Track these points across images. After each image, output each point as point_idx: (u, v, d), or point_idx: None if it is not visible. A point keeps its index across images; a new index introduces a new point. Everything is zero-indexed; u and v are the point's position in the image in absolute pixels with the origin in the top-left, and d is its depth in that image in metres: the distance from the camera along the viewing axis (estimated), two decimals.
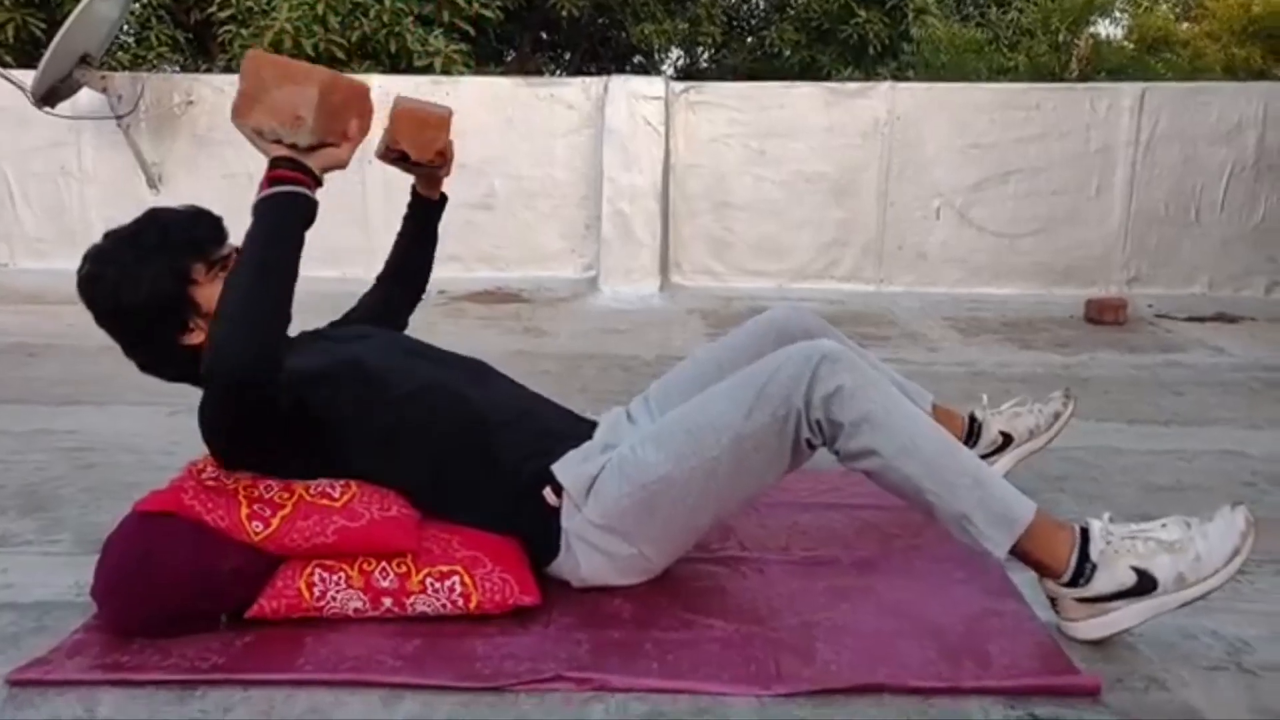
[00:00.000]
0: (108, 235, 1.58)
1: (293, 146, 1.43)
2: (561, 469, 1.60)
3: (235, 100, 1.44)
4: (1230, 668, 1.39)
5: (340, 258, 4.49)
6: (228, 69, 5.86)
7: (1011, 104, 4.48)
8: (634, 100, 4.40)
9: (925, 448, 1.45)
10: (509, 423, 1.65)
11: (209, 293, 1.54)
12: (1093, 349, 3.68)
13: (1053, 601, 1.47)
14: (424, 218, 1.97)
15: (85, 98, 4.49)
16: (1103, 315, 4.17)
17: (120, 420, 2.63)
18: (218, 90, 4.69)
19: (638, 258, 4.46)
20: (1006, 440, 2.01)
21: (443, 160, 1.83)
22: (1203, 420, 2.72)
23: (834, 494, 2.01)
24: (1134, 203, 4.51)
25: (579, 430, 1.74)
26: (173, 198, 4.60)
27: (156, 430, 2.53)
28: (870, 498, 1.90)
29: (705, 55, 10.07)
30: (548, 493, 1.59)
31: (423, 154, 1.79)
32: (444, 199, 1.97)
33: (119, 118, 4.50)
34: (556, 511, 1.59)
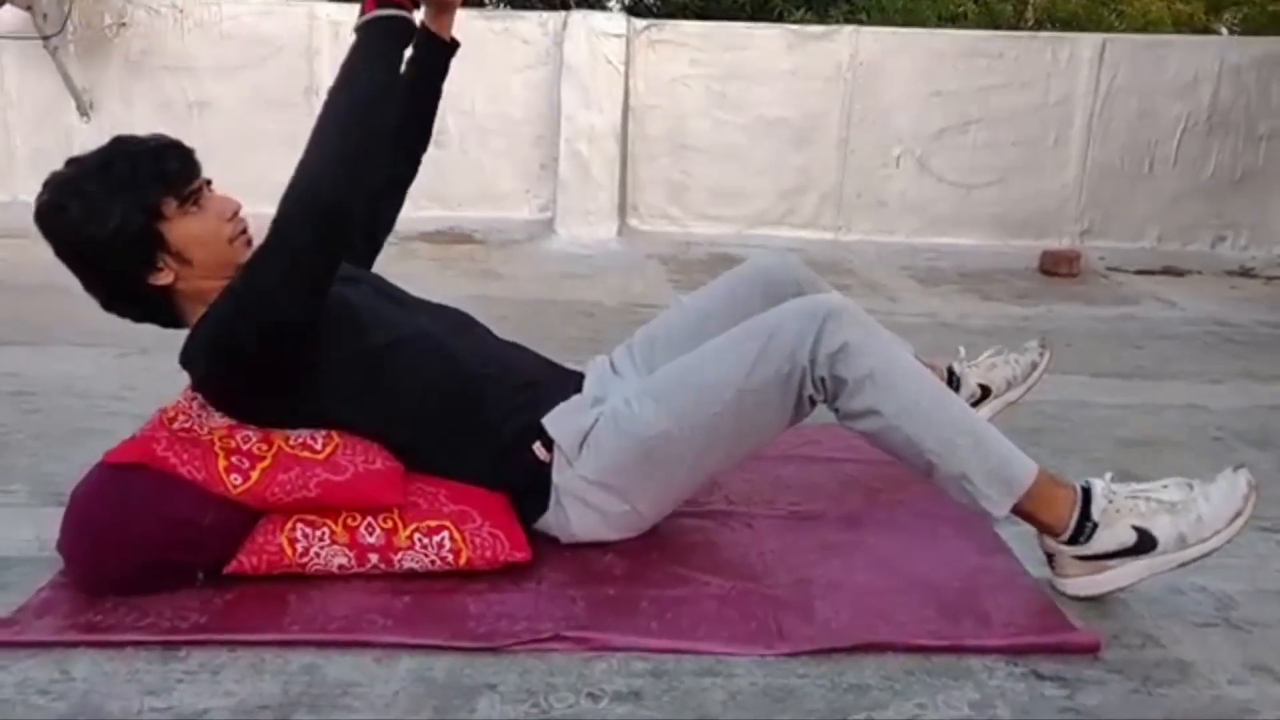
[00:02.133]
0: (71, 162, 1.47)
1: None
2: (552, 423, 1.55)
3: None
4: (1220, 624, 1.42)
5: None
6: None
7: (975, 51, 4.45)
8: (594, 37, 4.27)
9: (926, 406, 1.44)
10: (495, 375, 1.59)
11: (180, 229, 1.46)
12: (1050, 301, 3.72)
13: (1050, 557, 1.48)
14: (430, 64, 1.75)
15: (8, 15, 4.19)
16: (1057, 267, 4.22)
17: (63, 362, 2.50)
18: (153, 12, 4.43)
19: (596, 200, 4.36)
20: (985, 392, 2.01)
21: None
22: (1164, 374, 2.77)
23: (814, 447, 1.99)
24: (1090, 155, 4.54)
25: (566, 382, 1.69)
26: (104, 126, 4.43)
27: (105, 373, 2.41)
28: (850, 451, 1.90)
29: None
30: (538, 447, 1.54)
31: None
32: (455, 44, 1.76)
33: (45, 38, 4.22)
34: (546, 466, 1.55)
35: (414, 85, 1.75)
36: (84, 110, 4.44)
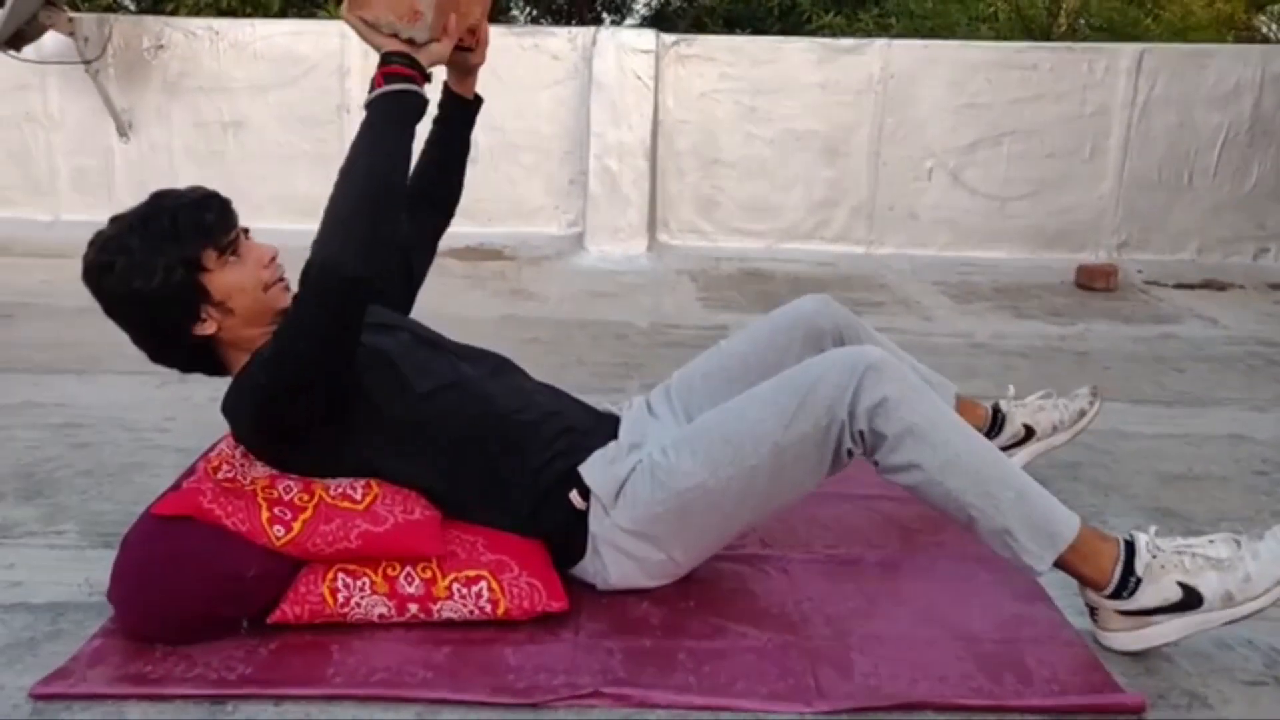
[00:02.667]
0: (114, 221, 1.51)
1: (408, 41, 1.40)
2: (589, 471, 1.56)
3: None
4: (1270, 682, 1.40)
5: (319, 210, 4.37)
6: (196, 11, 5.61)
7: (1008, 63, 4.41)
8: (623, 53, 4.28)
9: (968, 461, 1.43)
10: (533, 422, 1.60)
11: (220, 280, 1.49)
12: (1087, 319, 3.68)
13: (1092, 611, 1.47)
14: (456, 121, 1.79)
15: (51, 41, 4.28)
16: (1093, 282, 4.17)
17: (108, 392, 2.55)
18: (189, 34, 4.49)
19: (625, 216, 4.37)
20: (1029, 433, 2.00)
21: (475, 41, 1.68)
22: (1206, 400, 2.73)
23: (848, 483, 1.93)
24: (1127, 167, 4.48)
25: (602, 427, 1.69)
26: (143, 146, 4.50)
27: (148, 404, 2.45)
28: (885, 488, 1.85)
29: None
30: (574, 495, 1.55)
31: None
32: (479, 100, 1.80)
33: (87, 62, 4.29)
34: (583, 514, 1.55)
35: (441, 142, 1.80)
36: (123, 131, 4.51)
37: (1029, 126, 4.45)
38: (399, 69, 1.41)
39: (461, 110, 1.79)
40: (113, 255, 1.46)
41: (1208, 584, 1.38)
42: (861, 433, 1.45)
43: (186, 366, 1.59)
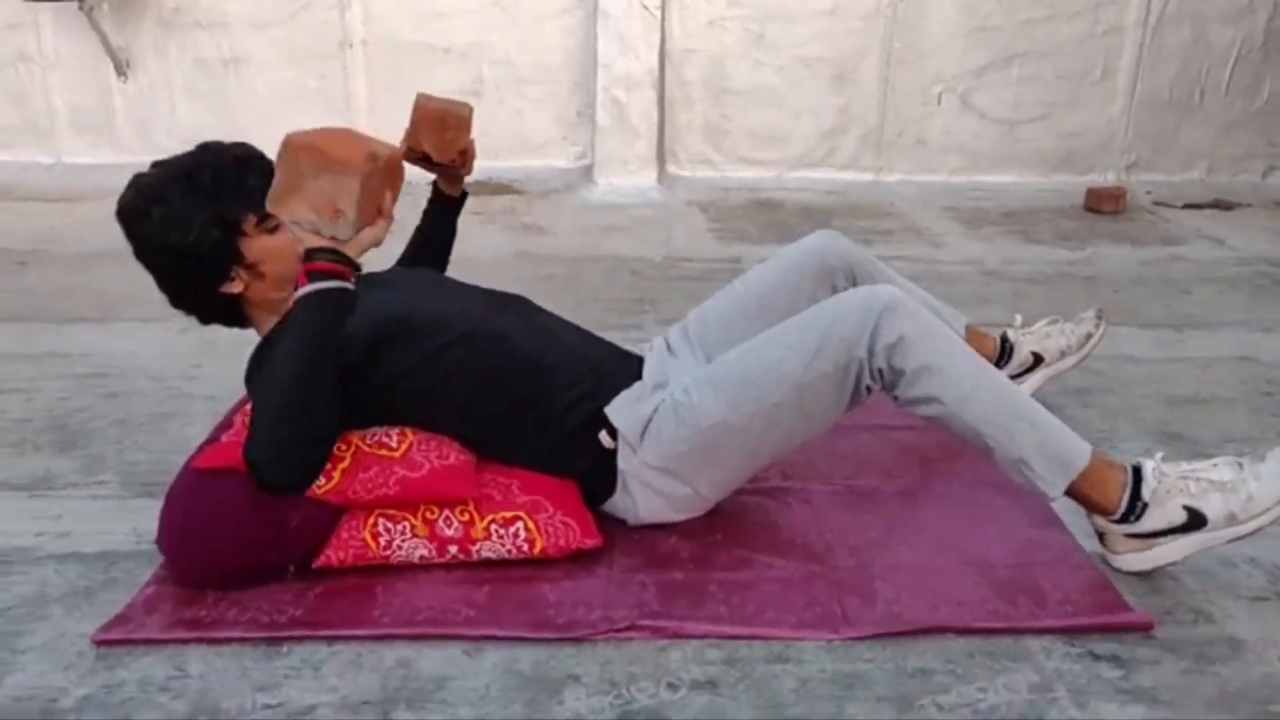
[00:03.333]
0: (158, 166, 1.53)
1: (331, 238, 1.38)
2: (615, 411, 1.61)
3: (272, 188, 1.37)
4: (1272, 597, 1.47)
5: None
6: None
7: None
8: None
9: (985, 394, 1.48)
10: (557, 364, 1.64)
11: (257, 245, 1.52)
12: (1096, 242, 3.69)
13: (1100, 535, 1.53)
14: (445, 215, 1.96)
15: None
16: (1101, 205, 4.16)
17: (131, 340, 2.59)
18: None
19: (634, 148, 4.34)
20: (1037, 360, 2.04)
21: (464, 160, 1.84)
22: (1212, 323, 2.77)
23: (864, 415, 1.97)
24: (1138, 87, 4.43)
25: (626, 366, 1.74)
26: (142, 84, 4.47)
27: (172, 352, 2.49)
28: (899, 418, 1.92)
29: None
30: (603, 436, 1.60)
31: (444, 155, 1.80)
32: (464, 195, 1.97)
33: (80, 0, 4.23)
34: (611, 453, 1.61)
35: (428, 228, 1.95)
36: (121, 69, 4.46)
37: (1040, 48, 4.38)
38: (321, 265, 1.38)
39: (448, 206, 1.93)
40: (150, 202, 1.48)
41: (1211, 506, 1.44)
42: (880, 370, 1.49)
43: (206, 319, 1.63)
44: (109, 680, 1.31)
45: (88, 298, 2.93)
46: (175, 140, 4.35)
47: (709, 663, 1.34)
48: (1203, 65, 4.42)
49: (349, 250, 1.40)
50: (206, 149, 1.52)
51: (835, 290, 1.81)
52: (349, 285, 1.41)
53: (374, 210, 1.41)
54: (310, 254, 1.38)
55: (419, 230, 1.97)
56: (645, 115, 4.31)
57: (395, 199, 1.46)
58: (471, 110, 1.80)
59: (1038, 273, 3.30)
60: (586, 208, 4.18)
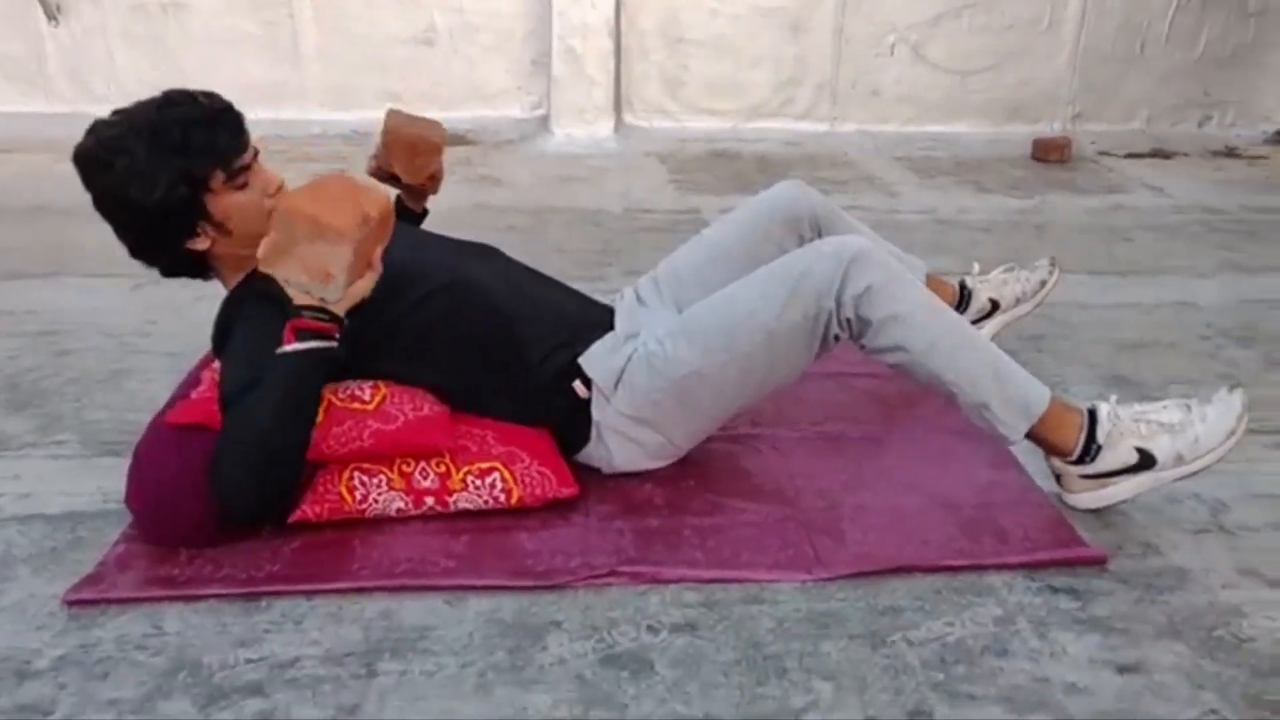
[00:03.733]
0: (121, 114, 1.46)
1: (321, 299, 1.40)
2: (589, 361, 1.63)
3: (266, 246, 1.38)
4: (1213, 529, 1.55)
5: (273, 96, 4.25)
6: None
7: None
8: None
9: (948, 341, 1.52)
10: (533, 315, 1.65)
11: (223, 202, 1.48)
12: (1043, 191, 3.76)
13: (1057, 476, 1.59)
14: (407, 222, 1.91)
15: None
16: (1048, 154, 4.24)
17: (81, 296, 2.52)
18: None
19: (591, 97, 4.30)
20: (994, 306, 2.10)
21: (433, 183, 1.89)
22: (1154, 269, 2.86)
23: (828, 363, 2.02)
24: (1083, 37, 4.50)
25: (598, 317, 1.75)
26: (75, 30, 4.30)
27: (125, 308, 2.44)
28: (863, 365, 1.96)
29: None
30: (577, 385, 1.62)
31: (415, 178, 1.86)
32: (426, 213, 2.00)
33: None
34: (586, 403, 1.63)
35: None
36: (51, 14, 4.28)
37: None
38: (308, 323, 1.40)
39: (410, 221, 1.94)
40: (113, 154, 1.42)
41: (1160, 447, 1.50)
42: (848, 319, 1.52)
43: (167, 271, 1.58)
44: (84, 640, 1.31)
45: (31, 253, 2.85)
46: (114, 88, 4.25)
47: (687, 605, 1.37)
48: (1143, 17, 4.49)
49: (338, 309, 1.42)
50: (173, 100, 1.45)
51: (802, 239, 1.84)
52: (334, 345, 1.42)
53: (364, 266, 1.43)
54: (296, 310, 1.40)
55: None
56: (602, 64, 4.27)
57: (385, 246, 1.48)
58: (444, 134, 1.85)
59: (990, 221, 3.37)
60: (543, 158, 4.15)
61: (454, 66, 4.37)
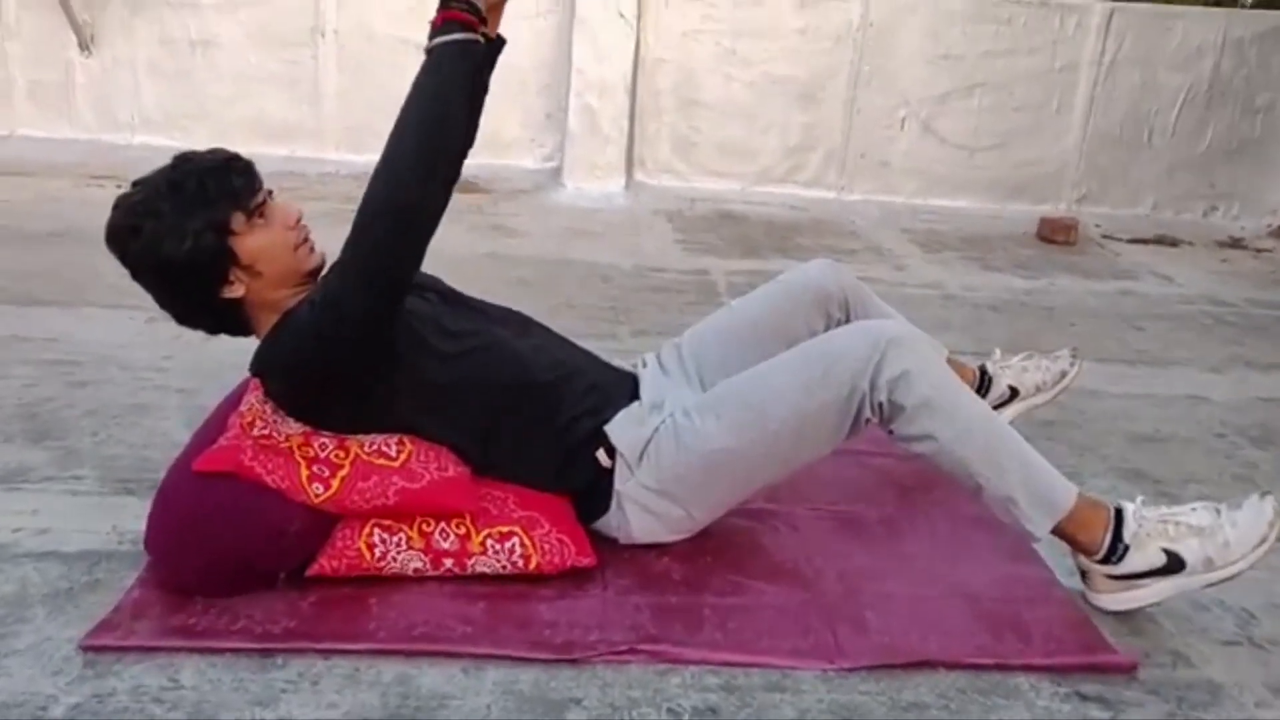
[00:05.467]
0: (139, 184, 1.50)
1: None
2: (615, 431, 1.62)
3: None
4: (1243, 642, 1.54)
5: (289, 134, 4.28)
6: None
7: (983, 16, 4.45)
8: None
9: (979, 433, 1.52)
10: (560, 381, 1.65)
11: (248, 243, 1.49)
12: (1050, 273, 3.81)
13: (1083, 574, 1.59)
14: (487, 65, 1.68)
15: None
16: (1054, 235, 4.30)
17: (97, 327, 2.52)
18: None
19: (604, 153, 4.36)
20: (1013, 394, 2.10)
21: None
22: (1165, 360, 2.88)
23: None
24: (1091, 122, 4.60)
25: (622, 384, 1.75)
26: (105, 61, 4.34)
27: (141, 341, 2.44)
28: (880, 444, 1.97)
29: None
30: (601, 454, 1.61)
31: None
32: (502, 40, 1.67)
33: None
34: (609, 471, 1.62)
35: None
36: (85, 44, 4.33)
37: (1000, 79, 4.52)
38: (457, 13, 1.43)
39: (484, 49, 1.70)
40: (141, 219, 1.45)
41: (1190, 550, 1.50)
42: (881, 403, 1.53)
43: (214, 328, 1.60)
44: (99, 689, 1.28)
45: (48, 281, 2.85)
46: (137, 118, 4.27)
47: (708, 689, 1.35)
48: (1151, 107, 4.60)
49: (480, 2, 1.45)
50: (184, 159, 1.50)
51: (830, 318, 1.85)
52: (480, 39, 1.46)
53: None
54: (445, 2, 1.43)
55: None
56: (616, 122, 4.33)
57: None
58: None
59: (997, 299, 3.40)
60: (554, 210, 4.18)
61: None
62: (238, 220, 1.48)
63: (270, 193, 1.54)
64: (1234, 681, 1.44)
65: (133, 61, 4.31)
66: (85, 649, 1.35)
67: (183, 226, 1.45)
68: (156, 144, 4.04)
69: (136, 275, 1.50)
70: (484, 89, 1.79)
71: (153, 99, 4.27)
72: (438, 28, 1.43)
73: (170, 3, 4.28)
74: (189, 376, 2.23)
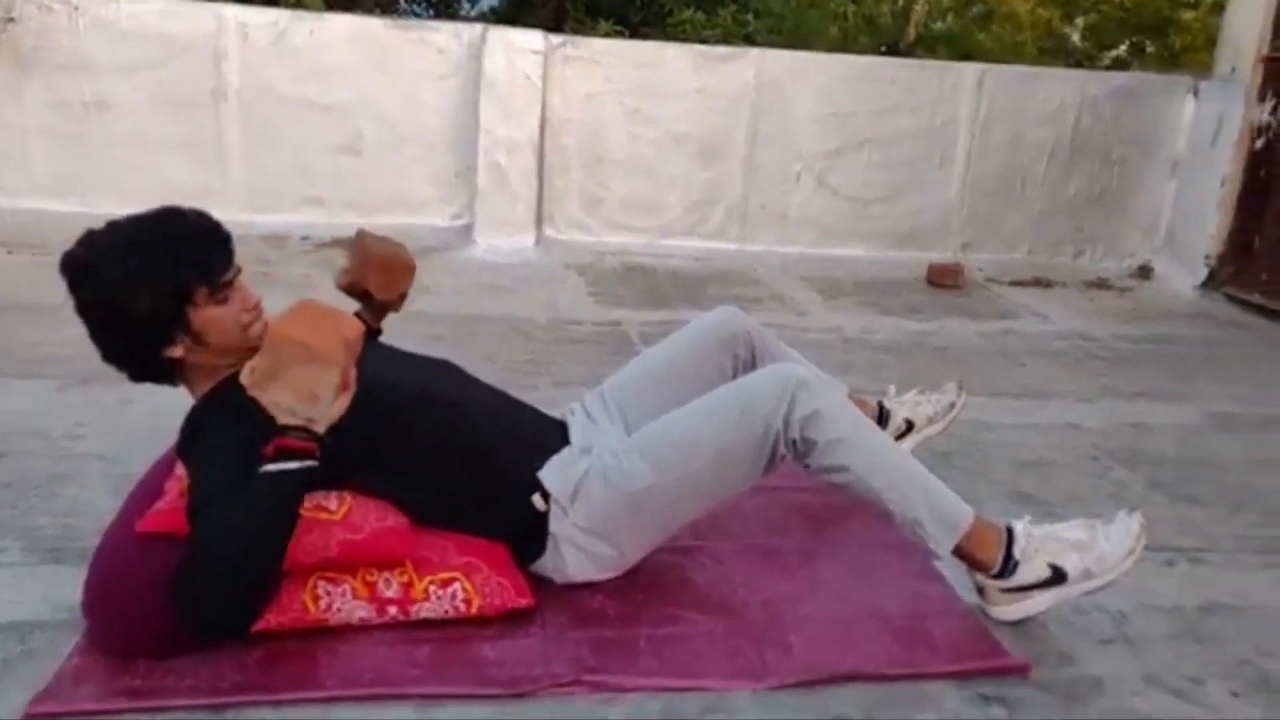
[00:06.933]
0: (113, 227, 1.51)
1: (307, 419, 1.44)
2: (548, 476, 1.71)
3: (253, 372, 1.43)
4: (1119, 640, 1.71)
5: (194, 197, 4.24)
6: None
7: (869, 77, 4.76)
8: (513, 53, 4.36)
9: (886, 463, 1.66)
10: (493, 430, 1.73)
11: (204, 315, 1.53)
12: (940, 315, 4.06)
13: (980, 590, 1.73)
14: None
15: None
16: (943, 279, 4.59)
17: (7, 397, 2.47)
18: (43, 7, 4.26)
19: (514, 211, 4.47)
20: (909, 426, 2.27)
21: (401, 301, 1.96)
22: (1045, 393, 3.12)
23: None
24: (970, 174, 4.93)
25: (554, 432, 1.85)
26: None
27: (54, 409, 2.40)
28: (795, 479, 2.10)
29: None
30: (535, 498, 1.70)
31: (387, 294, 1.94)
32: (380, 331, 2.01)
33: None
34: (543, 515, 1.70)
35: None
36: None
37: (886, 135, 4.82)
38: (292, 443, 1.42)
39: (370, 335, 1.89)
40: (104, 264, 1.47)
41: (1071, 563, 1.67)
42: (795, 440, 1.66)
43: (137, 377, 1.61)
44: None
45: None
46: (29, 185, 4.19)
47: (649, 715, 1.44)
48: (1022, 159, 4.97)
49: (319, 427, 1.44)
50: (165, 217, 1.52)
51: (737, 359, 1.98)
52: (315, 464, 1.44)
53: (343, 386, 1.48)
54: (282, 429, 1.42)
55: None
56: (525, 179, 4.45)
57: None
58: (413, 257, 1.95)
59: (893, 342, 3.61)
60: (466, 267, 4.26)
61: (379, 175, 4.49)
62: (200, 293, 1.51)
63: (239, 270, 1.57)
64: (1113, 675, 1.60)
65: (21, 125, 4.24)
66: (30, 718, 1.35)
67: (143, 287, 1.47)
68: (49, 209, 3.98)
69: (80, 311, 1.51)
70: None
71: (44, 163, 4.21)
72: (270, 457, 1.41)
73: (62, 65, 4.24)
74: (105, 444, 2.22)
